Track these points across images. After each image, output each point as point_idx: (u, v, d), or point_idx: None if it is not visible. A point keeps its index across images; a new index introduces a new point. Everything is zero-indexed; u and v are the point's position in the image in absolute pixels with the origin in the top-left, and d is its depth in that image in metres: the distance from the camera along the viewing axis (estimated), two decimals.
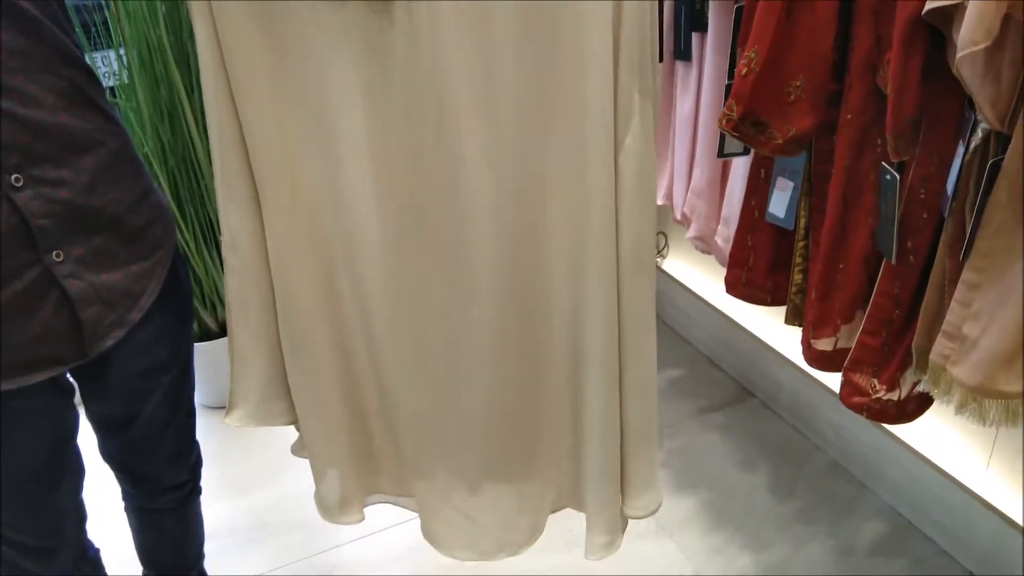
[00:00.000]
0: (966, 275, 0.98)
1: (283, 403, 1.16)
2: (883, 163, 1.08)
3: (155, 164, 1.83)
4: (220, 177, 0.99)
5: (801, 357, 1.33)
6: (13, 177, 0.83)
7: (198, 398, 2.07)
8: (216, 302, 2.03)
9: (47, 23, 0.85)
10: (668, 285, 2.27)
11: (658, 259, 2.31)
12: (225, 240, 1.03)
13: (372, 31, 0.89)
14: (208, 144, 0.99)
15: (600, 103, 0.91)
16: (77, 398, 1.05)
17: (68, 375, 1.02)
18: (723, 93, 1.34)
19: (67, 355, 0.95)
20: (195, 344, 2.04)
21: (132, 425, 1.11)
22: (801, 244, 1.31)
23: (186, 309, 1.13)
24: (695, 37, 1.41)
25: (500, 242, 1.00)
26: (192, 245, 1.92)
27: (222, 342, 1.97)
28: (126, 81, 1.82)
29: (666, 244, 2.28)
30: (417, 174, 0.96)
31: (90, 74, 0.91)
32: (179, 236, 1.86)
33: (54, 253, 0.89)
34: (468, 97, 0.91)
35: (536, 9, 0.88)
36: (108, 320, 0.97)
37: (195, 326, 2.00)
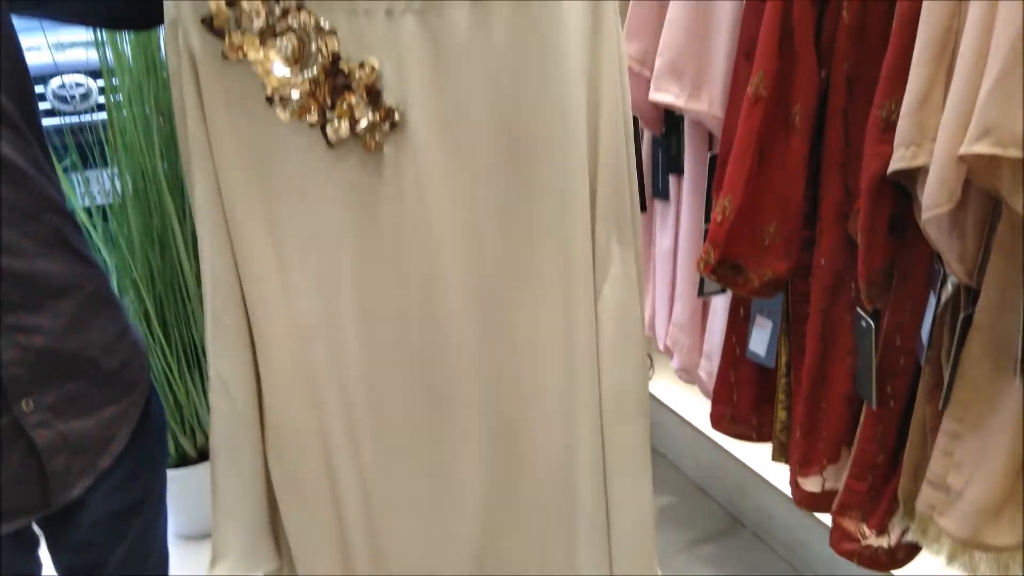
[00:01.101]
0: (946, 424, 0.98)
1: (268, 545, 1.13)
2: (858, 309, 1.09)
3: (143, 289, 1.84)
4: (211, 319, 0.99)
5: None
6: None
7: (175, 527, 2.00)
8: (196, 427, 1.99)
9: (32, 173, 0.86)
10: (657, 410, 2.25)
11: None
12: (214, 385, 1.01)
13: (363, 186, 0.91)
14: (196, 268, 0.98)
15: (579, 255, 0.93)
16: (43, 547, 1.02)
17: (33, 525, 0.98)
18: (701, 231, 1.37)
19: (31, 506, 0.92)
20: (173, 470, 1.99)
21: (101, 573, 1.06)
22: (783, 381, 1.31)
23: (158, 448, 1.10)
24: (672, 178, 1.46)
25: (487, 394, 1.00)
26: (175, 369, 1.90)
27: (200, 468, 1.92)
28: (118, 203, 1.84)
29: (652, 367, 2.27)
30: (405, 322, 0.97)
31: (69, 218, 0.92)
32: (163, 361, 1.84)
33: (23, 402, 0.87)
34: (454, 249, 0.94)
35: (517, 168, 0.91)
36: (76, 468, 0.94)
37: (173, 451, 1.95)
